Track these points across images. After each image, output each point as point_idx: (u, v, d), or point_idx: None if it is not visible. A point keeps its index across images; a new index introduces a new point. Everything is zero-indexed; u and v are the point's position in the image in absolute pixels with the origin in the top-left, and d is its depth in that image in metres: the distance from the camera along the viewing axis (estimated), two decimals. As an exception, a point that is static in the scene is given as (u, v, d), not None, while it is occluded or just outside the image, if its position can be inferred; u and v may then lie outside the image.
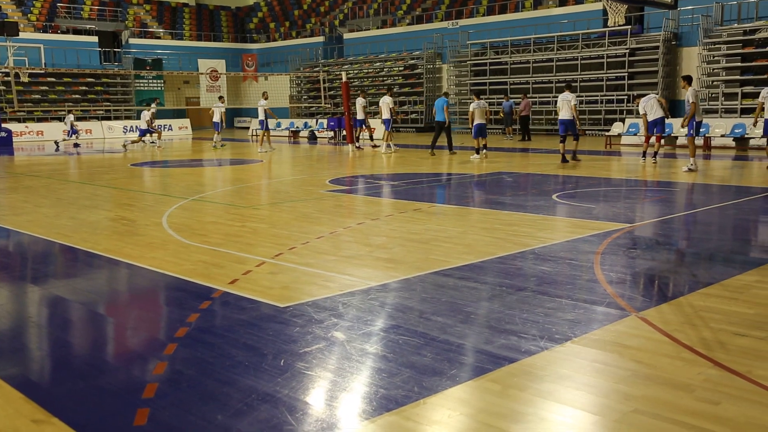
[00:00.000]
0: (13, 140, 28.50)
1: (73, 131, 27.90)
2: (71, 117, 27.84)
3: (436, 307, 5.25)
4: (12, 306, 5.80)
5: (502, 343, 4.43)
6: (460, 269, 6.43)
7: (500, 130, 29.90)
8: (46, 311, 5.63)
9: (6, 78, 27.51)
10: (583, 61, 28.22)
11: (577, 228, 8.36)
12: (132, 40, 41.44)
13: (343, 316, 5.05)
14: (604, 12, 28.85)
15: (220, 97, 27.12)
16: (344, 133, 25.19)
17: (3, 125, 28.67)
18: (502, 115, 27.93)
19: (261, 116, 23.32)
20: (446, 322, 4.88)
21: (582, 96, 27.74)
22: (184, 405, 3.60)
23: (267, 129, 23.31)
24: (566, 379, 3.87)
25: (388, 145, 21.50)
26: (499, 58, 31.17)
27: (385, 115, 21.70)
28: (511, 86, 30.31)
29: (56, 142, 27.44)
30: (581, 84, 28.12)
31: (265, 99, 23.59)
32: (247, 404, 3.58)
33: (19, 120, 32.85)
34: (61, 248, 7.90)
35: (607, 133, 23.53)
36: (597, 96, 27.77)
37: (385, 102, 21.78)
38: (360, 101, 23.55)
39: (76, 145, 27.64)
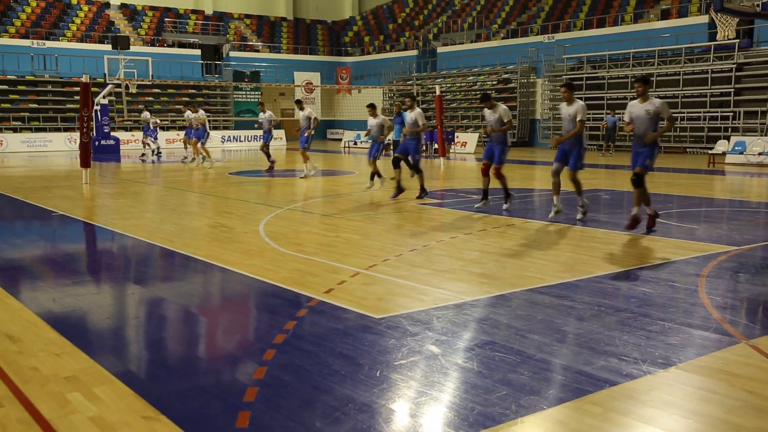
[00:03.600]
0: (121, 148, 30.00)
1: (153, 133, 25.60)
2: (146, 114, 25.94)
3: (532, 325, 5.16)
4: (121, 307, 6.09)
5: (601, 364, 4.31)
6: (556, 287, 6.30)
7: (596, 146, 29.21)
8: (151, 312, 5.87)
9: (117, 89, 28.99)
10: (685, 77, 27.24)
11: (678, 249, 8.05)
12: (232, 53, 42.93)
13: (437, 330, 5.04)
14: (710, 25, 27.79)
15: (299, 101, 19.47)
16: (436, 146, 25.20)
17: (112, 134, 30.22)
18: (604, 130, 27.03)
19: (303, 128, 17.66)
20: (543, 341, 4.79)
21: (683, 112, 26.77)
22: (283, 410, 3.67)
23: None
24: (671, 406, 3.73)
25: None
26: (596, 73, 30.49)
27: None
28: (608, 101, 29.58)
29: (186, 158, 24.12)
30: (682, 100, 27.14)
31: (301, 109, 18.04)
32: (344, 413, 3.62)
33: (126, 129, 34.53)
34: (165, 252, 8.23)
35: (710, 151, 22.57)
36: (700, 113, 26.73)
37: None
38: None
39: (158, 155, 25.50)
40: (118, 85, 27.98)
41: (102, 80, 30.06)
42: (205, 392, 3.96)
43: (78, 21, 39.67)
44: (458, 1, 45.52)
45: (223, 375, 4.32)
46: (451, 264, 7.39)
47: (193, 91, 39.24)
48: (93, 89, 18.84)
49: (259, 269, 7.09)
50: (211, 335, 5.30)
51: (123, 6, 42.65)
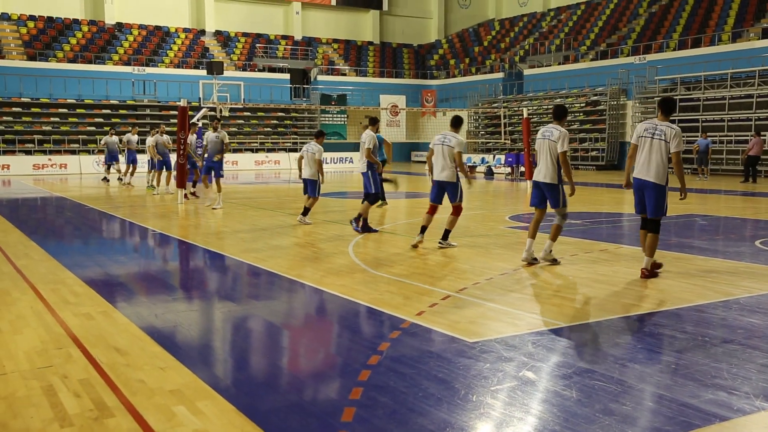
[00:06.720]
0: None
1: (112, 158, 25.07)
2: (112, 138, 25.13)
3: (631, 354, 5.00)
4: (218, 323, 6.26)
5: (709, 398, 4.12)
6: (655, 315, 6.09)
7: (690, 170, 28.19)
8: (247, 330, 6.01)
9: (211, 113, 30.05)
10: (788, 98, 26.03)
11: (787, 278, 7.64)
12: (320, 77, 43.89)
13: (532, 356, 4.95)
14: (816, 44, 26.49)
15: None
16: (522, 169, 24.94)
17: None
18: (695, 153, 25.89)
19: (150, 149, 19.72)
20: (644, 370, 4.63)
21: (785, 135, 25.57)
22: None
23: (162, 168, 19.98)
24: (788, 445, 3.52)
25: None
26: (691, 95, 29.52)
27: None
28: (703, 124, 28.56)
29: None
30: (785, 122, 25.92)
31: (160, 134, 20.20)
32: (442, 437, 3.59)
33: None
34: (258, 272, 8.43)
35: (815, 176, 21.41)
36: (803, 135, 25.42)
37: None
38: None
39: (105, 180, 25.87)
40: (212, 109, 29.02)
41: (197, 104, 31.26)
42: (303, 410, 4.01)
43: (175, 48, 41.48)
44: (545, 24, 45.13)
45: (319, 394, 4.36)
46: (543, 288, 7.26)
47: (281, 114, 40.29)
48: (188, 113, 19.58)
49: (350, 290, 7.16)
50: (306, 354, 5.37)
51: (217, 33, 44.34)
